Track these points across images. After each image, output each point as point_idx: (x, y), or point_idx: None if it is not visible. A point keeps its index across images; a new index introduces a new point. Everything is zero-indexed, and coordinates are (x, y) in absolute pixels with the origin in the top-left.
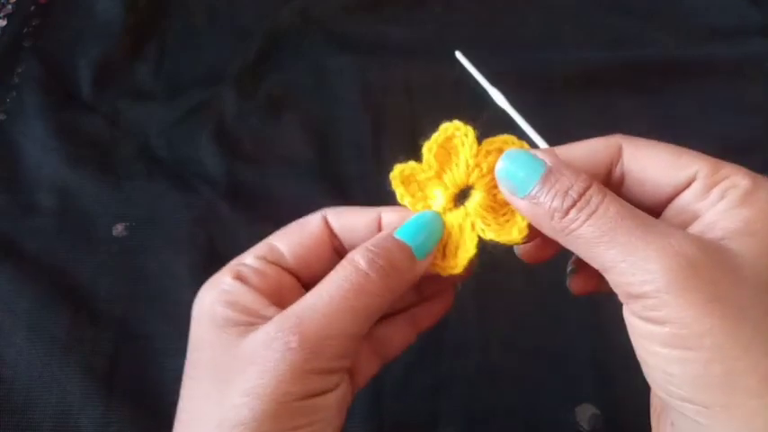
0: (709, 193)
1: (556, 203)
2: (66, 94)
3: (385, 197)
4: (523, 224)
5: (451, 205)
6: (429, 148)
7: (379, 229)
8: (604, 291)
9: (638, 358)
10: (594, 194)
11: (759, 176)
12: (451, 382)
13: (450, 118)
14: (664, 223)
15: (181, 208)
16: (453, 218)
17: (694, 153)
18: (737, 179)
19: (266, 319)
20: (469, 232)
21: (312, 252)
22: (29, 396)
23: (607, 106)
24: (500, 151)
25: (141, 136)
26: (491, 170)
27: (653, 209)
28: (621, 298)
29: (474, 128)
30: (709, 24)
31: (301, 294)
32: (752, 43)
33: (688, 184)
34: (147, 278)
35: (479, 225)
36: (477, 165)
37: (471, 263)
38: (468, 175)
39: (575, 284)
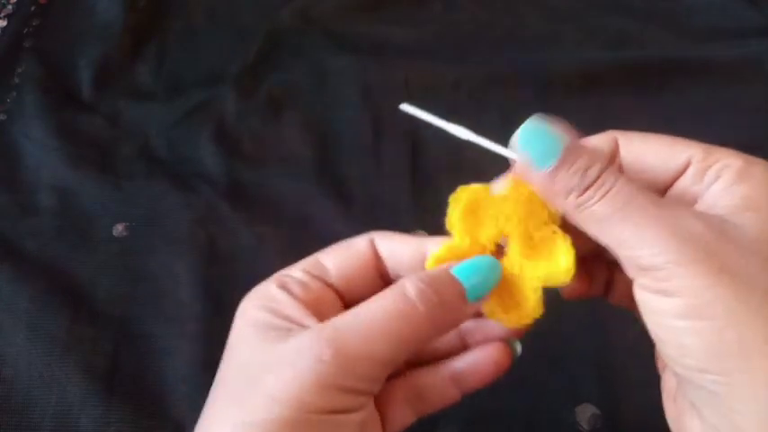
0: (705, 176)
1: (575, 181)
2: (66, 94)
3: (382, 196)
4: (536, 310)
5: (493, 247)
6: (453, 222)
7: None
8: (595, 294)
9: (652, 335)
10: (611, 174)
11: (750, 156)
12: None
13: (449, 118)
14: (673, 202)
15: (181, 208)
16: (509, 265)
17: (686, 140)
18: (730, 160)
19: (305, 327)
20: (526, 280)
21: (357, 272)
22: (29, 396)
23: (607, 106)
24: (548, 242)
25: (141, 136)
26: (516, 215)
27: None
28: (631, 273)
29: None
30: (709, 24)
31: (341, 312)
32: (751, 44)
33: (684, 170)
34: (147, 278)
35: (529, 271)
36: (502, 215)
37: (539, 310)
38: (501, 229)
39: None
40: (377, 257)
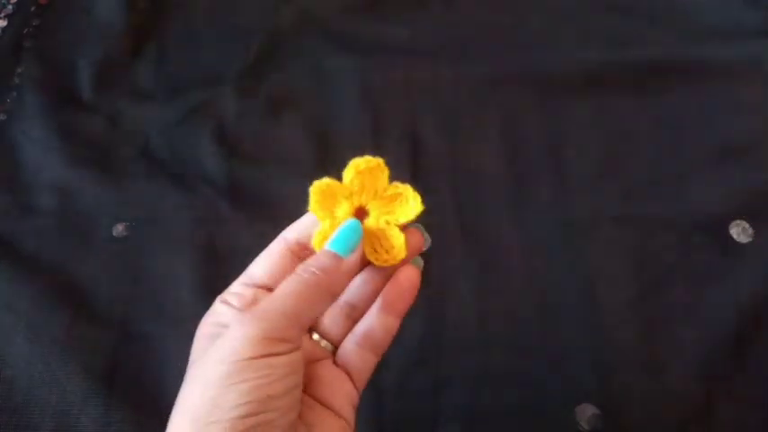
0: None
1: None
2: (66, 94)
3: None
4: (394, 259)
5: (350, 217)
6: (348, 174)
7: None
8: None
9: None
10: None
11: None
12: (451, 382)
13: (450, 117)
14: None
15: (181, 208)
16: (372, 222)
17: None
18: None
19: None
20: (390, 230)
21: (279, 266)
22: (29, 396)
23: (607, 106)
24: (398, 195)
25: (141, 136)
26: (387, 204)
27: None
28: None
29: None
30: (709, 24)
31: None
32: (751, 44)
33: None
34: (147, 278)
35: (366, 245)
36: (382, 198)
37: (403, 251)
38: (369, 201)
39: None
40: (294, 247)
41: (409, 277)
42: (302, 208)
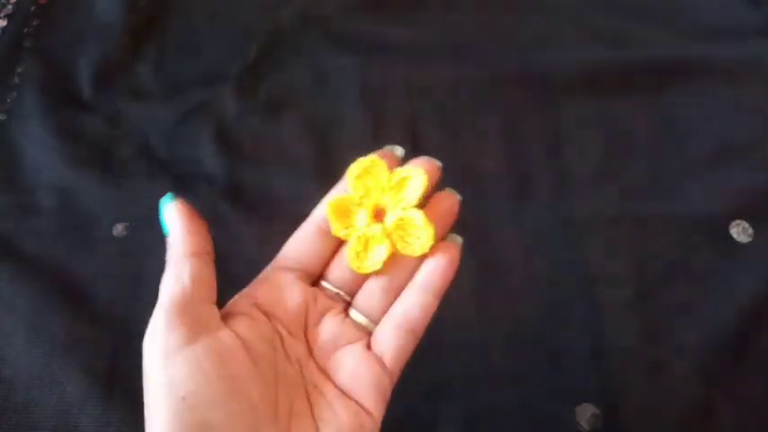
0: None
1: None
2: (66, 94)
3: None
4: (428, 242)
5: (372, 221)
6: (349, 182)
7: None
8: None
9: None
10: None
11: None
12: (451, 382)
13: (450, 117)
14: None
15: None
16: (372, 230)
17: None
18: None
19: None
20: (381, 243)
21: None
22: (29, 396)
23: (607, 106)
24: (403, 180)
25: (141, 136)
26: (397, 193)
27: None
28: None
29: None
30: (710, 24)
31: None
32: (752, 43)
33: None
34: (147, 278)
35: (398, 241)
36: (390, 190)
37: (382, 264)
38: (380, 199)
39: None
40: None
41: (447, 250)
42: (303, 207)
